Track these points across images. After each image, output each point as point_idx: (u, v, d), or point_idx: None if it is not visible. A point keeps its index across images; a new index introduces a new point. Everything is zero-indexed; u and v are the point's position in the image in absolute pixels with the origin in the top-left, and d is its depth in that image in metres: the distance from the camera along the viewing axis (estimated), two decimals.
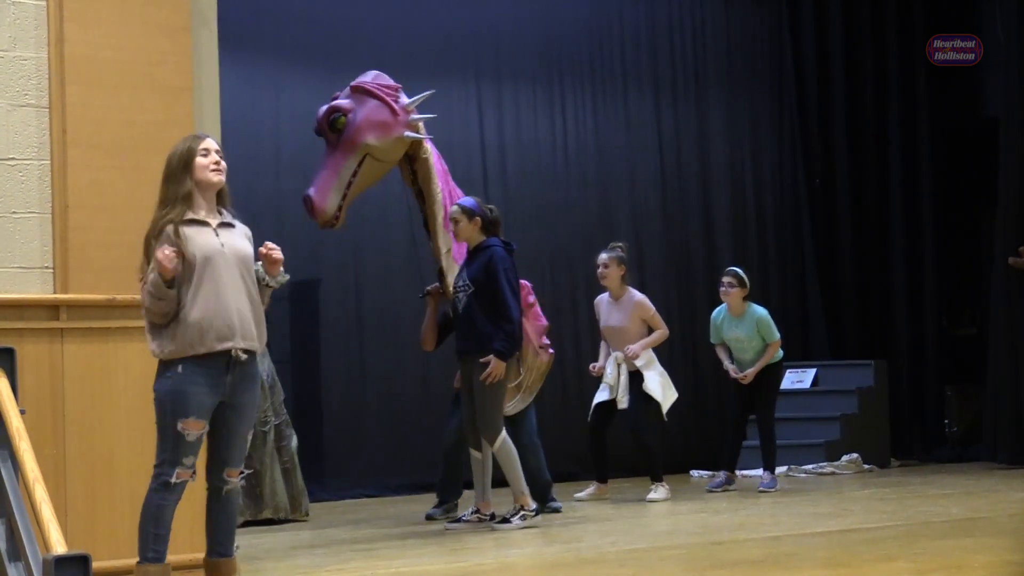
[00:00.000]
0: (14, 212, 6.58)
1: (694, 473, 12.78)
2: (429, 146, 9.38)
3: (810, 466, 12.58)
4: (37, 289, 6.56)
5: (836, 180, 14.49)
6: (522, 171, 12.92)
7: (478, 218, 8.99)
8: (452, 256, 9.39)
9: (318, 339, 11.93)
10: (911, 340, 14.37)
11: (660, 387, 10.68)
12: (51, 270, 6.61)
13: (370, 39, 12.09)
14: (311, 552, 8.18)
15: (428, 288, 9.60)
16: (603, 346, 10.87)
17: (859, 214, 14.46)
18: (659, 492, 10.60)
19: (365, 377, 11.88)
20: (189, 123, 6.66)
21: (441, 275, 9.37)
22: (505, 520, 8.91)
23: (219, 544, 5.94)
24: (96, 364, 6.53)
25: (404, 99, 9.25)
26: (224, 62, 7.35)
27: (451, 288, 9.18)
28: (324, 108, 9.14)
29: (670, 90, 13.97)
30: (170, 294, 5.72)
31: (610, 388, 10.66)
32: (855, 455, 12.81)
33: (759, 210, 14.28)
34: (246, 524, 8.62)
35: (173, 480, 5.78)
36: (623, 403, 10.60)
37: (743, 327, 11.18)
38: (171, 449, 5.80)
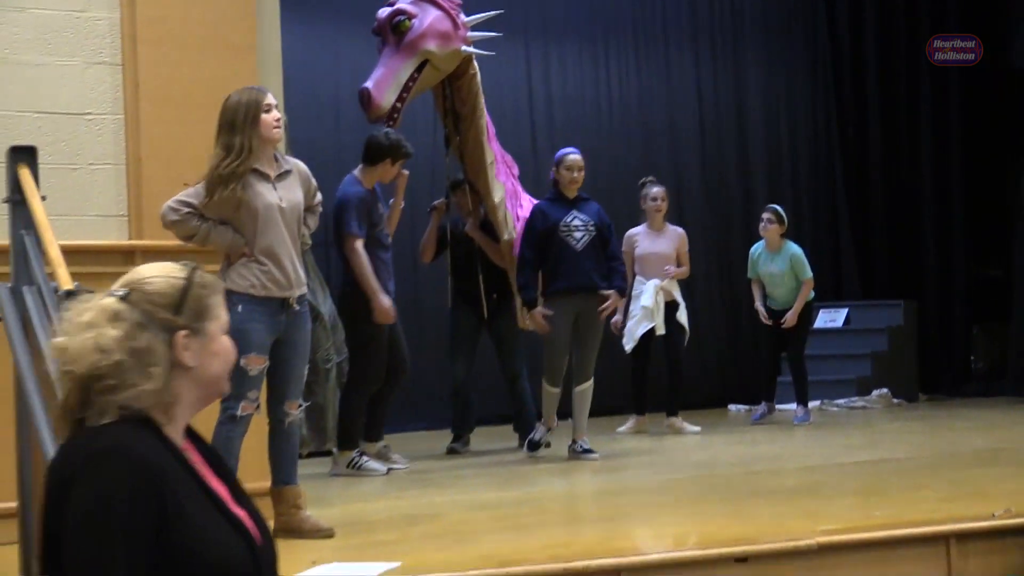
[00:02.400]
0: (91, 164, 6.63)
1: (731, 407, 12.79)
2: (476, 66, 9.33)
3: (842, 401, 12.59)
4: (113, 236, 6.61)
5: (868, 128, 14.40)
6: (568, 122, 12.87)
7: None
8: (496, 169, 9.42)
9: None
10: (939, 281, 14.32)
11: (686, 320, 10.72)
12: (126, 218, 6.66)
13: None
14: (371, 481, 8.26)
15: (435, 203, 9.59)
16: (636, 280, 10.68)
17: (890, 161, 14.37)
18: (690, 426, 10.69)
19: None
20: (253, 79, 6.65)
21: (459, 186, 9.43)
22: (588, 451, 8.91)
23: (283, 473, 6.00)
24: None
25: (463, 16, 9.21)
26: (285, 22, 7.36)
27: (501, 213, 9.32)
28: (388, 10, 9.00)
29: (709, 45, 13.91)
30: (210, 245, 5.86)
31: (651, 315, 10.59)
32: (885, 390, 12.80)
33: (793, 158, 14.23)
34: (311, 455, 8.68)
35: (239, 413, 5.84)
36: (661, 329, 10.58)
37: (778, 262, 11.19)
38: (235, 384, 5.78)
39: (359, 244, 8.27)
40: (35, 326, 4.95)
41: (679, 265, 10.75)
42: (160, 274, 2.95)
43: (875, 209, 14.25)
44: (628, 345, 10.64)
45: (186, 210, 5.78)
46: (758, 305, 11.28)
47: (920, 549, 5.73)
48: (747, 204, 13.57)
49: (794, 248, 11.27)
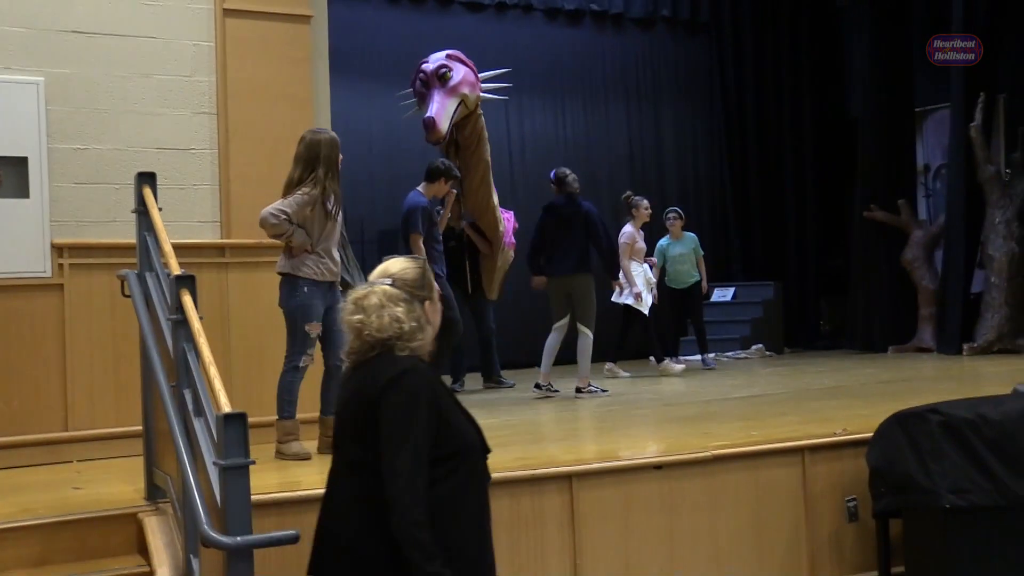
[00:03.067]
0: (194, 184, 6.61)
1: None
2: (480, 109, 9.40)
3: (730, 353, 12.60)
4: (209, 236, 6.60)
5: (748, 158, 14.39)
6: (536, 156, 12.85)
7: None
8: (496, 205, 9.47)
9: None
10: (799, 267, 14.34)
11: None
12: (219, 223, 6.64)
13: None
14: None
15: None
16: (633, 264, 10.49)
17: (764, 181, 14.36)
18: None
19: None
20: (310, 122, 6.65)
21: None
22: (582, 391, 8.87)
23: (329, 405, 5.98)
24: (249, 286, 6.57)
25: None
26: (332, 79, 7.32)
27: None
28: (434, 65, 9.07)
29: (636, 99, 13.89)
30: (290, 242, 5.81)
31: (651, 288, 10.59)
32: (760, 345, 12.81)
33: (696, 179, 14.24)
34: None
35: (301, 364, 5.84)
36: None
37: (682, 247, 11.28)
38: (300, 344, 5.82)
39: (420, 240, 8.30)
40: (154, 300, 4.94)
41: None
42: (407, 266, 3.38)
43: (753, 215, 14.25)
44: (644, 309, 10.43)
45: (283, 217, 5.73)
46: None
47: (784, 458, 5.74)
48: (662, 202, 13.55)
49: (690, 235, 11.42)
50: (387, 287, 3.31)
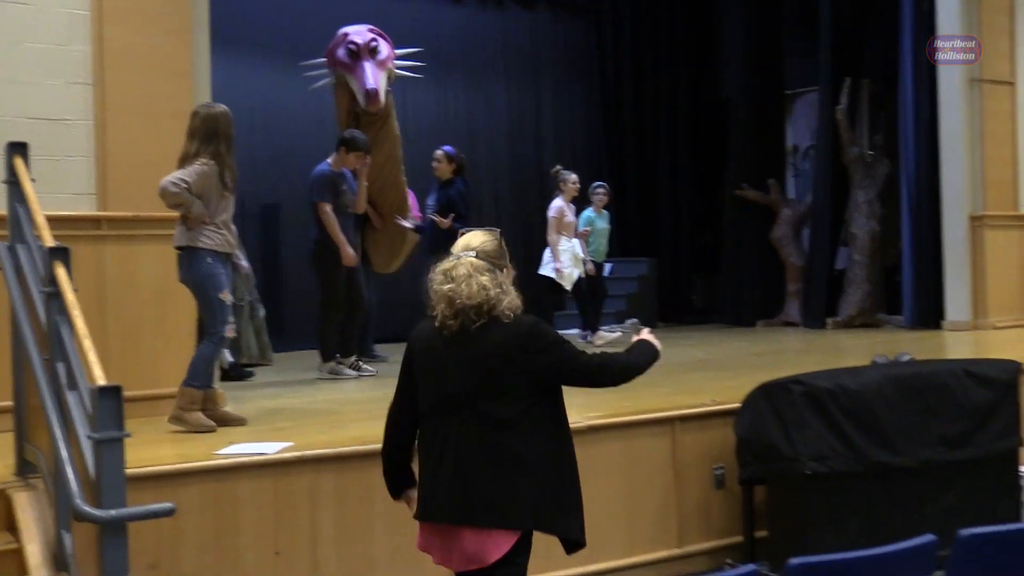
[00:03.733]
0: (69, 156, 6.41)
1: None
2: None
3: (605, 327, 12.71)
4: (85, 208, 6.42)
5: (625, 139, 14.51)
6: (417, 133, 12.75)
7: (455, 163, 9.11)
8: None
9: (279, 250, 11.83)
10: (672, 245, 14.50)
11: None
12: (95, 195, 6.46)
13: (314, 36, 11.89)
14: (273, 386, 8.15)
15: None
16: (562, 239, 10.49)
17: (641, 162, 14.52)
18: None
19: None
20: (189, 97, 6.52)
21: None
22: None
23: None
24: (127, 260, 6.43)
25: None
26: (214, 53, 7.17)
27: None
28: (365, 38, 8.87)
29: (517, 78, 13.91)
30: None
31: (579, 263, 10.52)
32: (635, 320, 12.95)
33: (574, 156, 14.23)
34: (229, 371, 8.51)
35: (227, 334, 5.87)
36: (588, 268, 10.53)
37: (605, 221, 11.20)
38: (220, 313, 5.82)
39: (328, 208, 8.16)
40: (26, 273, 4.80)
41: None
42: (487, 239, 3.75)
43: (630, 195, 14.36)
44: (568, 285, 10.46)
45: (184, 186, 5.69)
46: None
47: (655, 428, 5.85)
48: (541, 187, 13.63)
49: (606, 212, 11.36)
50: (472, 258, 3.65)
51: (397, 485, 3.88)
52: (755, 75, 13.43)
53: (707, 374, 8.17)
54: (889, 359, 6.62)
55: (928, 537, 2.66)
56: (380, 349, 9.77)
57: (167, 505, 3.52)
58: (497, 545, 3.50)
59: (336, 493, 4.96)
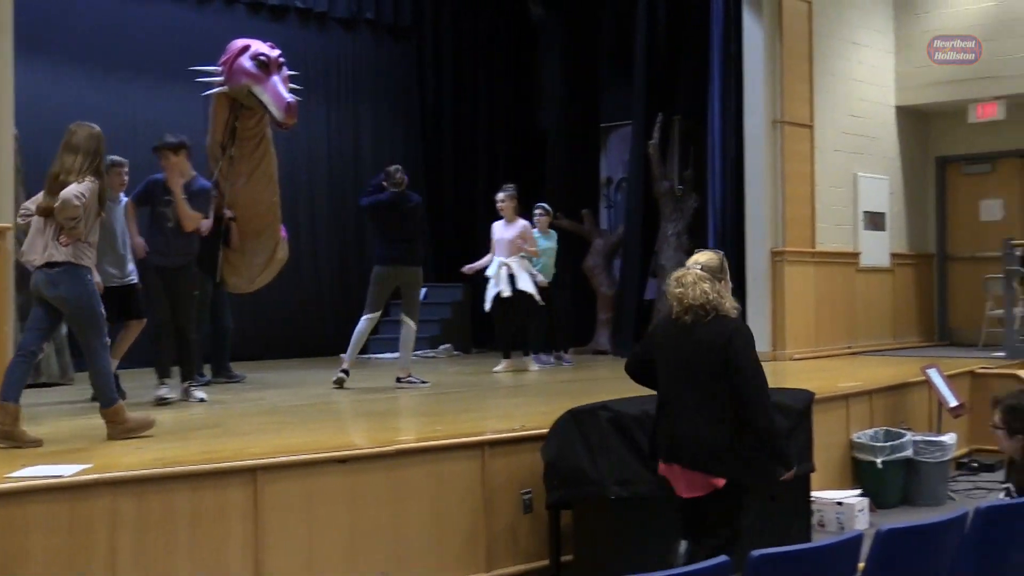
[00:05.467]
0: None
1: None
2: None
3: (419, 352, 12.70)
4: None
5: (443, 165, 14.59)
6: None
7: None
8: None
9: None
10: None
11: (533, 285, 10.45)
12: None
13: (128, 46, 11.60)
14: (73, 406, 7.85)
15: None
16: (492, 257, 10.54)
17: (459, 189, 14.62)
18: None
19: None
20: None
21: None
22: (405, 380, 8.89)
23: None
24: None
25: None
26: (19, 59, 6.90)
27: None
28: (276, 52, 8.67)
29: (337, 100, 13.81)
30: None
31: (496, 283, 10.38)
32: (448, 345, 13.04)
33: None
34: (29, 386, 8.15)
35: (108, 345, 6.06)
36: (507, 292, 10.32)
37: (547, 240, 11.19)
38: (104, 328, 5.90)
39: (132, 207, 8.07)
40: None
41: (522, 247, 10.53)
42: (711, 256, 5.03)
43: (447, 220, 14.45)
44: (486, 305, 10.42)
45: (83, 201, 5.69)
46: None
47: (465, 452, 5.86)
48: (358, 208, 13.56)
49: (553, 232, 11.36)
50: (697, 271, 4.87)
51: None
52: (571, 108, 13.72)
53: (517, 400, 8.25)
54: None
55: (722, 558, 2.74)
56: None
57: None
58: (710, 482, 4.71)
59: (137, 517, 4.78)
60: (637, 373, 5.18)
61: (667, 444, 4.84)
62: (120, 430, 5.87)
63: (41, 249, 5.73)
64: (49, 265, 5.69)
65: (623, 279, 13.02)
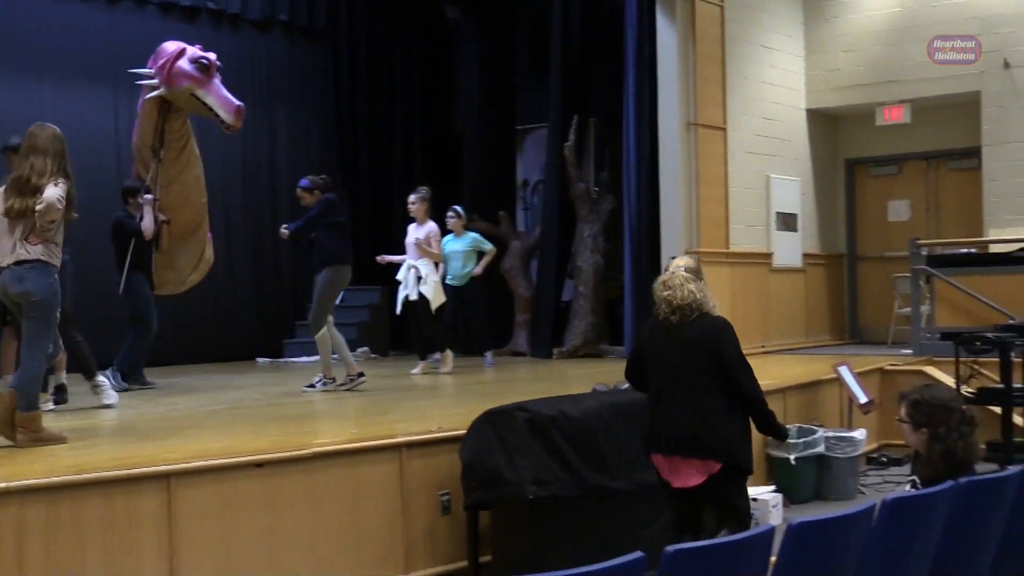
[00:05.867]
0: None
1: (259, 360, 12.65)
2: None
3: (335, 355, 12.61)
4: None
5: (359, 168, 14.53)
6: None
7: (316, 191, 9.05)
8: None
9: None
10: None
11: (432, 290, 10.36)
12: None
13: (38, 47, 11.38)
14: None
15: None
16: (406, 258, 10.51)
17: (376, 191, 14.56)
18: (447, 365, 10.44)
19: None
20: None
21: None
22: (312, 386, 8.79)
23: None
24: None
25: None
26: None
27: None
28: (214, 55, 8.75)
29: (252, 103, 13.58)
30: None
31: (404, 286, 10.37)
32: (366, 348, 12.98)
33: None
34: None
35: (51, 351, 6.22)
36: (413, 296, 10.26)
37: (462, 244, 11.17)
38: (53, 328, 6.00)
39: None
40: None
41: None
42: (689, 260, 5.69)
43: (363, 221, 14.34)
44: (397, 308, 10.42)
45: (65, 204, 5.83)
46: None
47: (383, 454, 5.85)
48: (273, 210, 13.47)
49: (473, 234, 11.30)
50: (683, 273, 5.28)
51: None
52: (487, 110, 13.76)
53: (434, 402, 8.25)
54: (609, 387, 6.88)
55: (637, 554, 2.76)
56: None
57: None
58: (707, 468, 5.11)
59: (46, 525, 4.69)
60: (635, 379, 5.48)
61: (666, 437, 5.17)
62: (32, 438, 5.80)
63: (9, 249, 5.83)
64: (18, 263, 5.79)
65: (540, 281, 13.08)
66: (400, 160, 14.72)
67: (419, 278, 10.38)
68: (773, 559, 3.22)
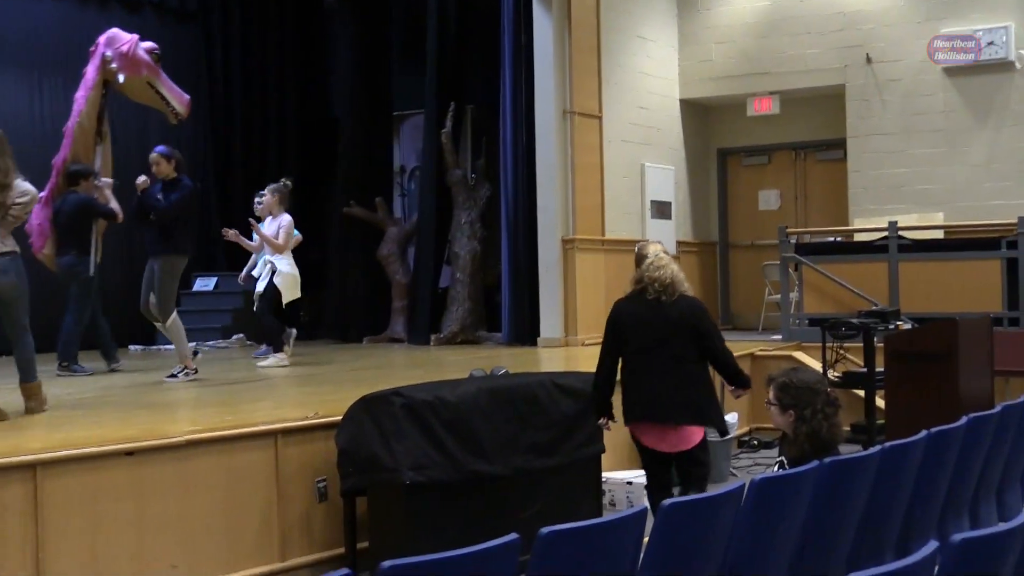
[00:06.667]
0: None
1: (132, 347, 12.37)
2: None
3: (211, 343, 12.48)
4: None
5: (232, 153, 14.30)
6: (13, 134, 11.94)
7: (174, 160, 8.76)
8: None
9: None
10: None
11: (284, 282, 10.04)
12: None
13: None
14: None
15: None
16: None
17: (249, 176, 14.26)
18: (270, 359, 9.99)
19: None
20: None
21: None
22: (174, 376, 8.51)
23: None
24: None
25: None
26: None
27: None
28: (153, 44, 8.93)
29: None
30: None
31: (263, 279, 10.07)
32: (241, 335, 12.81)
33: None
34: None
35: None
36: (260, 289, 10.01)
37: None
38: (27, 315, 6.39)
39: None
40: None
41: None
42: (660, 246, 5.99)
43: (236, 208, 14.07)
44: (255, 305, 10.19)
45: None
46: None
47: (258, 441, 5.80)
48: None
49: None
50: (665, 255, 5.85)
51: (607, 407, 5.89)
52: (363, 95, 13.66)
53: (311, 388, 8.18)
54: (485, 372, 6.91)
55: (512, 536, 2.80)
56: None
57: None
58: (697, 434, 5.77)
59: None
60: (612, 353, 5.90)
61: (654, 407, 5.71)
62: (39, 403, 6.56)
63: None
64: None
65: (417, 267, 13.05)
66: (274, 146, 14.54)
67: (274, 272, 10.17)
68: (646, 540, 3.29)
